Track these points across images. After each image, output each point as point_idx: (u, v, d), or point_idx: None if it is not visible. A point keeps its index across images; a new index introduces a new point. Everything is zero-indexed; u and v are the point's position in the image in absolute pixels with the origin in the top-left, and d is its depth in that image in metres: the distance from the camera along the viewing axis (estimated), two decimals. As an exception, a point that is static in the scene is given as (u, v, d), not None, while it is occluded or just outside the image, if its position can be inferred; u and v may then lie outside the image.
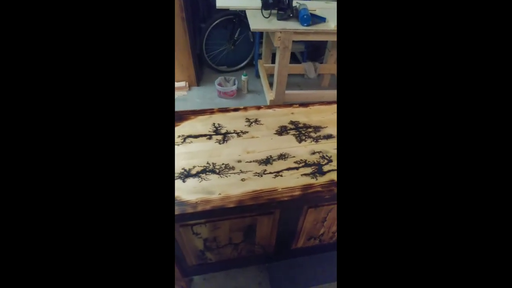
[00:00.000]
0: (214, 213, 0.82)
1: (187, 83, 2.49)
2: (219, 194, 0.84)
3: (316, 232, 1.11)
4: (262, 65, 2.43)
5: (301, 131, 1.11)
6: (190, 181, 0.88)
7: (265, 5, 1.74)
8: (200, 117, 1.14)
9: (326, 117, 1.20)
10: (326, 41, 2.52)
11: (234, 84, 2.45)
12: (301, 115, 1.20)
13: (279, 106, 1.25)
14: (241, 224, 0.96)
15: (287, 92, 2.07)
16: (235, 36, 2.52)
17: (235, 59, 2.75)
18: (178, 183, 0.87)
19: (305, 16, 1.68)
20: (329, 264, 1.29)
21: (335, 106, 1.27)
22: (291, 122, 1.16)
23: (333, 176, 0.93)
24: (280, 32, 1.69)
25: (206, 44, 2.50)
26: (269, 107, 1.24)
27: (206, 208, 0.80)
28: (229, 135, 1.06)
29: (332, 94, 2.20)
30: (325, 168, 0.96)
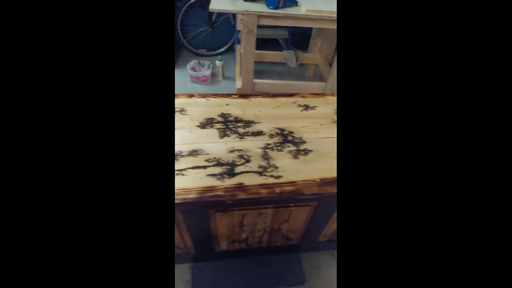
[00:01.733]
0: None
1: (160, 65, 2.37)
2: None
3: (237, 236, 1.02)
4: (239, 50, 2.28)
5: (229, 125, 1.00)
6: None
7: (232, -17, 1.58)
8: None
9: (265, 111, 1.08)
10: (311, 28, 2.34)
11: (209, 69, 2.32)
12: (236, 107, 1.08)
13: (215, 95, 1.13)
14: None
15: (256, 81, 1.93)
16: (213, 18, 2.36)
17: (215, 43, 2.60)
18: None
19: (271, -2, 1.52)
20: (259, 267, 1.20)
21: (279, 100, 1.15)
22: (221, 115, 1.04)
23: (244, 179, 0.82)
24: (243, 14, 1.54)
25: (182, 24, 2.36)
26: (203, 95, 1.12)
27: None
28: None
29: (311, 86, 2.04)
30: (238, 169, 0.85)
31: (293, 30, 2.53)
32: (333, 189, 0.82)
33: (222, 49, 2.63)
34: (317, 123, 1.05)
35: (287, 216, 0.93)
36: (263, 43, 2.66)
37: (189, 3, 2.24)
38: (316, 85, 2.04)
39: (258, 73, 2.53)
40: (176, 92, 1.74)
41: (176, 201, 0.75)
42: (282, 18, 1.59)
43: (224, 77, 2.40)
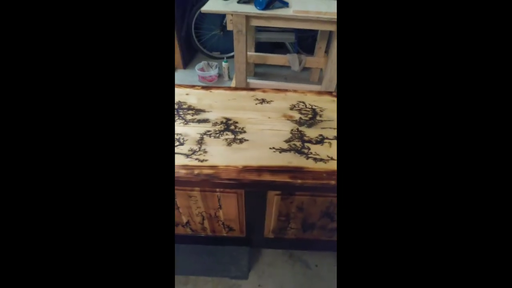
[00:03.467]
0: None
1: (173, 65, 2.57)
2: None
3: (178, 219, 1.06)
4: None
5: (179, 112, 1.06)
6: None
7: (227, -13, 1.67)
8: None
9: (220, 102, 1.12)
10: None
11: (216, 69, 2.43)
12: (194, 97, 1.14)
13: (179, 85, 1.21)
14: None
15: (251, 81, 1.97)
16: (224, 22, 2.49)
17: (228, 45, 2.71)
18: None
19: (260, 0, 1.57)
20: (206, 256, 1.20)
21: (238, 93, 1.18)
22: (177, 102, 1.11)
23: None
24: (232, 15, 1.61)
25: (196, 28, 2.53)
26: (167, 85, 1.21)
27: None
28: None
29: (306, 88, 2.01)
30: (169, 150, 0.90)
31: (301, 34, 2.53)
32: (256, 177, 0.82)
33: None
34: (266, 116, 1.05)
35: (218, 202, 0.95)
36: (274, 47, 2.70)
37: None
38: (311, 88, 2.01)
39: (263, 75, 2.58)
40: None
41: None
42: (271, 18, 1.62)
43: (230, 78, 2.49)
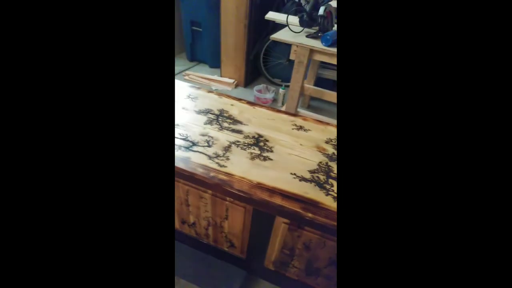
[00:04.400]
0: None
1: (235, 81, 2.76)
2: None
3: (186, 216, 1.07)
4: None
5: (218, 119, 1.12)
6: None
7: (300, 22, 1.78)
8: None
9: (258, 119, 1.15)
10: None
11: (272, 93, 2.53)
12: (237, 109, 1.20)
13: (228, 96, 1.28)
14: None
15: (301, 110, 1.98)
16: (291, 53, 2.61)
17: (290, 75, 2.82)
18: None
19: (327, 37, 1.61)
20: (203, 264, 1.17)
21: (279, 115, 1.19)
22: (220, 109, 1.18)
23: (193, 156, 0.91)
24: (297, 46, 1.68)
25: (265, 54, 2.71)
26: (220, 94, 1.29)
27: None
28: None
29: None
30: (196, 148, 0.95)
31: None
32: (266, 197, 0.80)
33: (294, 83, 2.82)
34: (298, 142, 1.03)
35: (225, 212, 0.94)
36: (335, 86, 2.70)
37: (275, 37, 2.58)
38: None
39: (315, 109, 2.56)
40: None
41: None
42: (334, 56, 1.64)
43: (283, 104, 2.55)
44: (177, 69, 2.98)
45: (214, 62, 2.99)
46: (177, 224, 1.15)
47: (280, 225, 0.87)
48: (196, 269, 1.16)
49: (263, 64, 2.78)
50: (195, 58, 3.21)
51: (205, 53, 3.07)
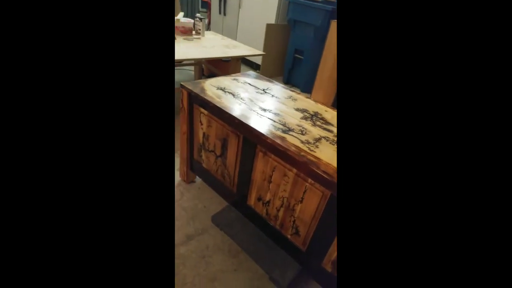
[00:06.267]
0: (211, 108, 1.25)
1: (322, 107, 2.89)
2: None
3: (264, 193, 1.20)
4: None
5: (313, 117, 1.25)
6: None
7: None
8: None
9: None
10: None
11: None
12: (330, 115, 1.31)
13: (321, 103, 1.41)
14: (221, 132, 1.29)
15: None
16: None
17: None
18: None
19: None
20: (264, 245, 1.24)
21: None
22: (314, 112, 1.31)
23: (288, 137, 1.05)
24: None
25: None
26: (316, 100, 1.44)
27: (205, 98, 1.25)
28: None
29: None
30: (291, 133, 1.09)
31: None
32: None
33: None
34: (386, 153, 1.06)
35: (302, 194, 1.02)
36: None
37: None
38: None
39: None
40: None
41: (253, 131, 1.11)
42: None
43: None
44: (272, 87, 3.32)
45: (306, 88, 3.22)
46: (252, 201, 1.28)
47: (354, 218, 0.90)
48: (257, 248, 1.25)
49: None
50: (289, 81, 3.52)
51: (300, 78, 3.35)
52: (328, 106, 1.39)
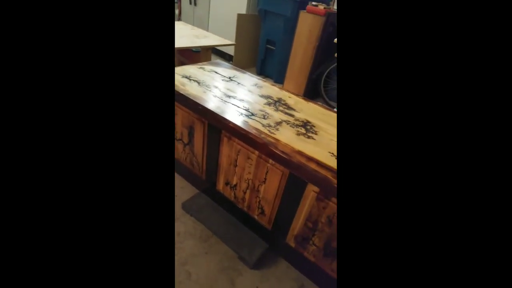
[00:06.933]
0: (176, 96, 1.26)
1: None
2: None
3: (231, 178, 1.24)
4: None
5: (276, 103, 1.30)
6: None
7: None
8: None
9: (311, 111, 1.29)
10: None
11: (326, 113, 2.65)
12: (293, 100, 1.37)
13: (288, 90, 1.47)
14: (187, 120, 1.31)
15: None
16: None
17: (347, 101, 2.91)
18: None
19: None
20: (232, 226, 1.30)
21: (332, 114, 1.32)
22: (278, 98, 1.36)
23: (251, 122, 1.09)
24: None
25: (327, 77, 2.88)
26: (281, 88, 1.49)
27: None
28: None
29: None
30: (253, 117, 1.13)
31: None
32: (304, 161, 0.92)
33: (350, 109, 2.90)
34: (341, 134, 1.14)
35: (265, 175, 1.08)
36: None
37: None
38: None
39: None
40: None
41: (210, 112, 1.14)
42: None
43: (335, 125, 2.63)
44: (245, 78, 3.34)
45: (279, 78, 3.28)
46: (221, 186, 1.32)
47: (310, 194, 0.97)
48: (227, 230, 1.30)
49: (324, 86, 2.95)
50: (263, 72, 3.56)
51: (273, 69, 3.39)
52: (299, 97, 1.45)
